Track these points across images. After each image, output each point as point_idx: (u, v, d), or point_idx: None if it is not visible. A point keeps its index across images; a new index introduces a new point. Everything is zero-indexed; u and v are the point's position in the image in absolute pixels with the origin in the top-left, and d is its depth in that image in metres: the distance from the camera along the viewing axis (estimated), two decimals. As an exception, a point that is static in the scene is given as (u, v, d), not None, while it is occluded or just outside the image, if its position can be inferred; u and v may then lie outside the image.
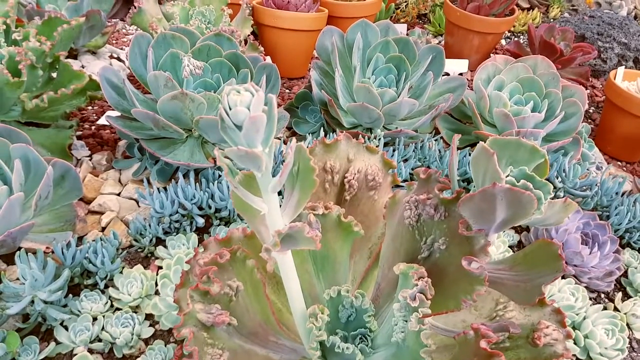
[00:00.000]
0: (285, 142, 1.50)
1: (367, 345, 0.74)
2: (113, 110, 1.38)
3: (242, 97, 0.45)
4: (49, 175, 0.95)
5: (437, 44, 2.34)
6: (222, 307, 0.65)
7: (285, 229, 0.54)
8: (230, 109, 0.46)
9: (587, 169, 1.42)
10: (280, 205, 0.59)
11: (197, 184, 1.18)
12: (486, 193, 0.56)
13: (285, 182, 0.56)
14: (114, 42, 2.14)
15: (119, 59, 1.99)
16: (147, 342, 0.97)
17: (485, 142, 0.63)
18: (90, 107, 1.65)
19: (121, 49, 2.08)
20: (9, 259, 1.06)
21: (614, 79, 1.75)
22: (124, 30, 2.26)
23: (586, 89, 2.13)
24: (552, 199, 0.61)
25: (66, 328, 0.94)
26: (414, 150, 1.38)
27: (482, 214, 0.61)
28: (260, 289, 0.76)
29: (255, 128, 0.46)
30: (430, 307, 0.64)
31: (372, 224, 0.91)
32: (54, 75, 1.30)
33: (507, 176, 0.62)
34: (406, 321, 0.66)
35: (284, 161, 1.26)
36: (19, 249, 0.97)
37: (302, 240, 0.56)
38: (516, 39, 2.60)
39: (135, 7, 1.72)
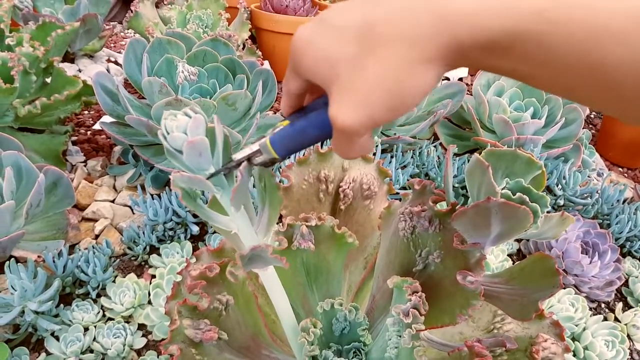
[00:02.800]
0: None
1: (360, 360, 0.73)
2: (108, 115, 1.37)
3: (178, 121, 0.44)
4: (40, 183, 0.94)
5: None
6: (212, 322, 0.63)
7: (248, 252, 0.52)
8: (168, 134, 0.44)
9: (588, 176, 1.41)
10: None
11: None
12: (480, 208, 0.55)
13: (257, 198, 0.55)
14: (111, 45, 2.13)
15: (116, 62, 1.98)
16: (139, 352, 0.95)
17: (483, 150, 0.61)
18: (86, 112, 1.63)
19: (119, 52, 2.06)
20: None
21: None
22: (122, 34, 2.25)
23: (587, 93, 2.11)
24: (553, 206, 0.59)
25: (57, 338, 0.92)
26: (412, 157, 1.37)
27: (476, 228, 0.60)
28: (252, 301, 0.74)
29: (197, 152, 0.44)
30: (425, 321, 0.63)
31: (367, 233, 0.90)
32: (48, 80, 1.29)
33: (503, 188, 0.60)
34: (400, 336, 0.65)
35: (280, 168, 1.25)
36: (10, 258, 0.96)
37: (270, 260, 0.55)
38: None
39: (132, 11, 1.71)
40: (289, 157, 0.56)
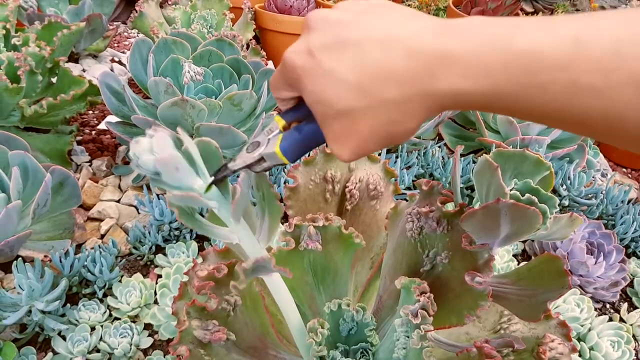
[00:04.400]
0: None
1: (368, 360, 0.73)
2: (113, 115, 1.37)
3: (141, 144, 0.43)
4: (47, 183, 0.94)
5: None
6: (220, 322, 0.63)
7: (250, 265, 0.52)
8: (138, 159, 0.43)
9: (593, 177, 1.41)
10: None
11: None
12: (490, 209, 0.55)
13: (257, 207, 0.55)
14: (115, 45, 2.13)
15: (120, 62, 1.98)
16: (145, 352, 0.95)
17: (488, 150, 0.61)
18: (90, 112, 1.64)
19: (123, 52, 2.07)
20: (6, 268, 1.04)
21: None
22: (125, 34, 2.25)
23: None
24: (558, 207, 0.59)
25: (64, 338, 0.93)
26: (417, 157, 1.37)
27: (485, 229, 0.60)
28: (260, 302, 0.74)
29: (172, 167, 0.43)
30: (432, 321, 0.63)
31: (374, 234, 0.90)
32: (54, 80, 1.29)
33: (512, 189, 0.60)
34: (408, 337, 0.65)
35: (286, 168, 1.25)
36: (17, 257, 0.96)
37: (272, 270, 0.55)
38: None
39: (136, 11, 1.71)
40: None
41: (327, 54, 0.39)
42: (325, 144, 0.77)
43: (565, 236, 0.61)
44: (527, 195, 0.57)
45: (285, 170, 1.28)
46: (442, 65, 0.36)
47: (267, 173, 0.52)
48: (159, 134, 0.43)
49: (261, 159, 0.48)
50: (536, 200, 0.57)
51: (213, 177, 0.47)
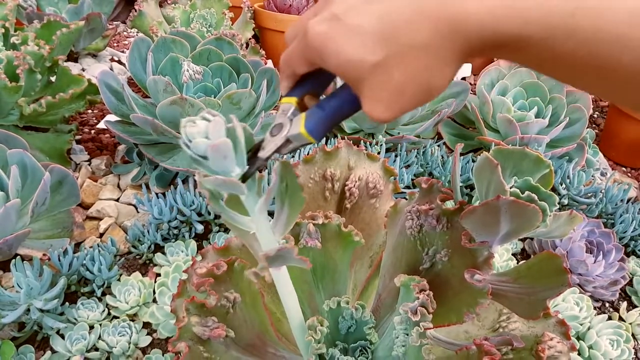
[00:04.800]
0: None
1: (367, 358, 0.73)
2: (113, 114, 1.37)
3: (197, 127, 0.43)
4: (45, 182, 0.94)
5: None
6: (219, 319, 0.63)
7: (274, 252, 0.52)
8: (190, 141, 0.43)
9: (592, 176, 1.41)
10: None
11: (197, 189, 1.17)
12: (490, 206, 0.55)
13: (276, 197, 0.55)
14: (115, 44, 2.13)
15: (119, 62, 1.98)
16: (144, 351, 0.95)
17: (488, 149, 0.61)
18: (90, 111, 1.64)
19: (122, 51, 2.06)
20: (5, 266, 1.04)
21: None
22: (125, 33, 2.25)
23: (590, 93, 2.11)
24: (557, 205, 0.59)
25: (62, 337, 0.92)
26: (416, 156, 1.37)
27: (485, 227, 0.60)
28: (259, 299, 0.74)
29: (222, 155, 0.43)
30: (432, 319, 0.63)
31: (373, 232, 0.90)
32: (53, 79, 1.29)
33: (511, 187, 0.60)
34: (407, 334, 0.65)
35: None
36: (15, 256, 0.96)
37: (293, 260, 0.55)
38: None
39: (135, 10, 1.71)
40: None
41: (353, 13, 0.39)
42: (325, 140, 0.77)
43: (565, 234, 0.61)
44: (526, 193, 0.57)
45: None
46: (469, 1, 0.36)
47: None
48: (216, 119, 0.43)
49: (287, 141, 0.48)
50: (536, 198, 0.57)
51: (247, 168, 0.47)
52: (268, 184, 0.54)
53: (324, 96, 0.48)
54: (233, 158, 0.45)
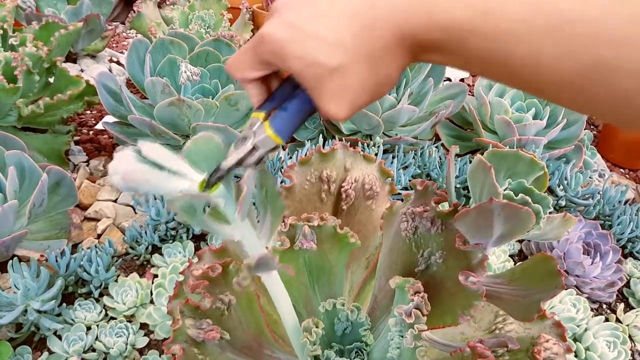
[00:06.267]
0: (284, 148, 1.49)
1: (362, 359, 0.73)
2: (111, 115, 1.37)
3: (111, 169, 0.41)
4: (43, 183, 0.94)
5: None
6: (214, 321, 0.63)
7: (254, 262, 0.52)
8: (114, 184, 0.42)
9: (590, 177, 1.41)
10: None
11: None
12: (483, 208, 0.55)
13: (258, 204, 0.55)
14: (114, 45, 2.13)
15: (118, 62, 1.98)
16: (141, 352, 0.95)
17: (485, 150, 0.62)
18: (88, 112, 1.64)
19: (121, 52, 2.07)
20: (2, 267, 1.05)
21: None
22: (124, 34, 2.25)
23: (589, 94, 2.11)
24: (554, 207, 0.59)
25: (60, 337, 0.93)
26: (413, 158, 1.37)
27: (479, 229, 0.60)
28: (254, 301, 0.74)
29: (142, 179, 0.42)
30: (427, 321, 0.63)
31: (369, 233, 0.90)
32: (51, 80, 1.29)
33: (506, 189, 0.60)
34: (402, 336, 0.65)
35: (282, 168, 1.26)
36: (13, 257, 0.96)
37: (276, 267, 0.55)
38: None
39: (134, 12, 1.71)
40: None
41: (307, 21, 0.42)
42: (323, 142, 0.77)
43: (559, 236, 0.61)
44: (520, 195, 0.58)
45: (282, 170, 1.28)
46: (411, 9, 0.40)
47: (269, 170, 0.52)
48: (120, 154, 0.42)
49: (253, 149, 0.48)
50: (530, 200, 0.57)
51: (207, 180, 0.47)
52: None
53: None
54: (167, 176, 0.44)
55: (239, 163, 0.49)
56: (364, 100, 0.45)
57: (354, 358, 0.73)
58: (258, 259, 0.51)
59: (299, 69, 0.43)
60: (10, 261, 0.92)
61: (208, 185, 0.47)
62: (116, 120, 1.23)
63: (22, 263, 0.93)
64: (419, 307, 0.62)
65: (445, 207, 0.70)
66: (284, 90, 0.50)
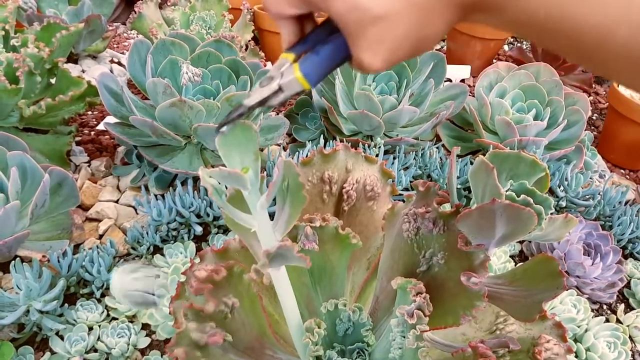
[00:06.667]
0: (285, 149, 1.49)
1: (364, 360, 0.73)
2: (112, 115, 1.37)
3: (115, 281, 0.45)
4: (45, 184, 0.95)
5: (439, 49, 2.34)
6: (217, 324, 0.64)
7: (274, 249, 0.52)
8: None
9: (590, 178, 1.41)
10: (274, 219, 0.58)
11: (196, 191, 1.17)
12: (485, 209, 0.55)
13: (277, 196, 0.55)
14: (115, 46, 2.13)
15: (119, 63, 1.98)
16: (143, 352, 0.95)
17: (485, 151, 0.62)
18: (90, 112, 1.64)
19: (122, 53, 2.07)
20: (4, 268, 1.05)
21: (618, 86, 1.74)
22: (125, 35, 2.26)
23: (589, 95, 2.12)
24: (555, 208, 0.60)
25: (62, 338, 0.93)
26: (414, 158, 1.37)
27: (481, 230, 0.60)
28: (257, 303, 0.74)
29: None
30: (429, 321, 0.63)
31: (370, 234, 0.90)
32: (53, 81, 1.30)
33: (507, 190, 0.60)
34: (404, 337, 0.65)
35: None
36: (15, 257, 0.97)
37: (293, 258, 0.55)
38: (519, 44, 2.58)
39: (135, 12, 1.72)
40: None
41: None
42: (324, 142, 0.77)
43: (560, 237, 0.62)
44: (522, 196, 0.58)
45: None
46: None
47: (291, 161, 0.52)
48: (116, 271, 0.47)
49: (278, 90, 0.47)
50: (532, 201, 0.57)
51: (226, 119, 0.47)
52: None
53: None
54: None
55: (262, 103, 0.48)
56: (402, 54, 0.43)
57: (356, 358, 0.74)
58: (278, 247, 0.51)
59: (340, 11, 0.41)
60: (13, 262, 0.92)
61: (228, 121, 0.47)
62: (117, 120, 1.24)
63: (24, 263, 0.93)
64: (421, 307, 0.62)
65: (446, 208, 0.70)
66: (317, 35, 0.48)
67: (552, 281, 0.61)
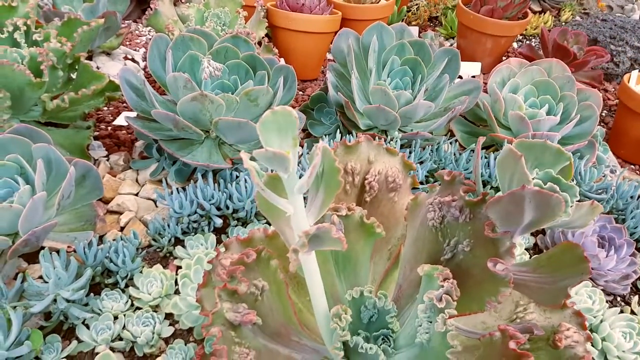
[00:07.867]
0: (301, 145, 1.51)
1: (389, 346, 0.75)
2: (129, 110, 1.39)
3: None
4: (71, 175, 0.96)
5: (450, 46, 2.35)
6: (249, 306, 0.65)
7: (313, 230, 0.54)
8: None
9: (603, 173, 1.42)
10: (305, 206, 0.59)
11: (216, 184, 1.19)
12: (515, 195, 0.57)
13: (313, 181, 0.56)
14: (127, 43, 2.15)
15: (133, 60, 2.00)
16: (167, 341, 0.97)
17: (501, 146, 0.63)
18: (105, 108, 1.66)
19: (135, 50, 2.09)
20: (30, 258, 1.07)
21: (628, 82, 1.75)
22: (137, 32, 2.27)
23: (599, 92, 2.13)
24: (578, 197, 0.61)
25: (88, 327, 0.95)
26: (429, 153, 1.39)
27: (509, 217, 0.62)
28: (283, 289, 0.76)
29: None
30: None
31: (391, 225, 0.91)
32: (73, 76, 1.31)
33: (533, 179, 0.62)
34: (431, 322, 0.67)
35: (299, 162, 1.27)
36: (42, 248, 0.99)
37: (329, 241, 0.57)
38: (527, 42, 2.59)
39: (151, 9, 1.73)
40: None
41: None
42: (340, 137, 0.78)
43: (586, 224, 0.63)
44: (549, 184, 0.59)
45: (299, 164, 1.29)
46: None
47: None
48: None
49: None
50: (558, 189, 0.59)
51: None
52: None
53: None
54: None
55: None
56: None
57: (381, 344, 0.75)
58: (317, 228, 0.52)
59: None
60: (42, 251, 0.94)
61: None
62: (136, 115, 1.25)
63: (52, 253, 0.95)
64: (449, 292, 0.64)
65: (471, 197, 0.72)
66: None
67: (578, 267, 0.62)
